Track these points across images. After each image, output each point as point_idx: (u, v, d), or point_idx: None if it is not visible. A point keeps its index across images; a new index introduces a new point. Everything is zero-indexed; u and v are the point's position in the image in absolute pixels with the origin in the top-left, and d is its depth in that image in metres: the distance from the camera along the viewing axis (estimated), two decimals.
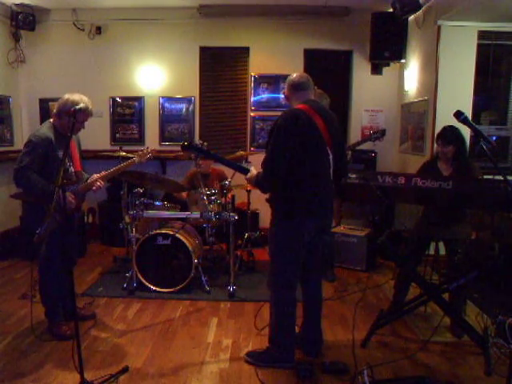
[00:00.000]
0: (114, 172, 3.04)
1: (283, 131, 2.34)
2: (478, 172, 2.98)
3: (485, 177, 2.95)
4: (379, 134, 3.89)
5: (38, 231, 2.55)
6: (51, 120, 2.82)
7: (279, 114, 2.53)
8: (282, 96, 2.72)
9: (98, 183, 2.92)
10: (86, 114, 2.73)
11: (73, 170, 2.86)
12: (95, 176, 2.95)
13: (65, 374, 2.45)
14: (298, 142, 2.34)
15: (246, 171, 2.58)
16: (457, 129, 2.97)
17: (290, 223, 2.45)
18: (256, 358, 2.64)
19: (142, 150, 3.24)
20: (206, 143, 3.60)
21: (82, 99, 2.71)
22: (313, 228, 2.49)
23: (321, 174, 2.47)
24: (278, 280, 2.56)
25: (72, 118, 2.40)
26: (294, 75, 2.60)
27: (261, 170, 2.44)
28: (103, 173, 2.99)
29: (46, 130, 2.73)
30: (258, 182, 2.47)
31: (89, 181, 2.93)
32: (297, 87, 2.54)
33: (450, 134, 2.98)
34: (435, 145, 3.17)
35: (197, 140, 5.43)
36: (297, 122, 2.35)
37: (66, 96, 2.74)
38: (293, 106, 2.54)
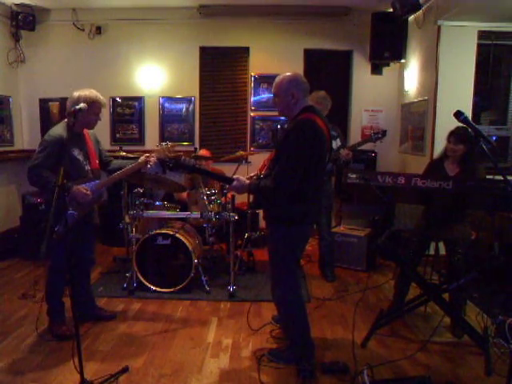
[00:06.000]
0: (134, 168, 2.99)
1: (304, 144, 2.27)
2: (482, 173, 2.97)
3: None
4: (380, 135, 3.88)
5: (56, 228, 2.57)
6: (66, 120, 2.85)
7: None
8: (289, 98, 2.41)
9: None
10: (97, 106, 2.79)
11: (89, 168, 2.89)
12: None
13: (65, 374, 2.46)
14: (316, 153, 2.32)
15: (229, 181, 2.51)
16: (468, 130, 2.96)
17: (300, 228, 2.46)
18: (278, 357, 2.65)
19: (161, 145, 3.11)
20: (192, 159, 3.69)
21: (91, 92, 2.77)
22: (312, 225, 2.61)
23: (322, 177, 2.49)
24: (289, 283, 2.54)
25: (72, 118, 2.41)
26: (297, 74, 2.48)
27: (265, 179, 2.40)
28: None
29: (60, 129, 2.76)
30: (264, 190, 2.38)
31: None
32: (307, 90, 2.46)
33: (463, 133, 2.95)
34: (443, 143, 3.14)
35: (196, 145, 5.47)
36: (316, 134, 2.32)
37: (76, 94, 2.76)
38: (295, 109, 2.43)
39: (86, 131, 2.93)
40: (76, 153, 2.78)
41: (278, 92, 2.45)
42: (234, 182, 2.46)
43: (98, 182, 2.90)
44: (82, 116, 2.71)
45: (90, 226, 3.05)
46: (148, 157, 2.98)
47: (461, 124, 2.38)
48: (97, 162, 2.96)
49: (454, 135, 3.01)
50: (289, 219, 2.42)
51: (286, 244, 2.47)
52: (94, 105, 2.76)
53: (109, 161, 3.13)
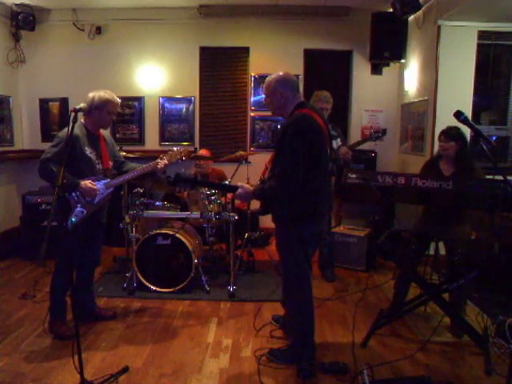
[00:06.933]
0: (143, 170, 3.03)
1: (301, 139, 2.27)
2: (480, 173, 2.97)
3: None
4: (380, 134, 3.88)
5: (64, 224, 2.58)
6: (82, 120, 2.88)
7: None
8: (279, 97, 2.45)
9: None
10: (111, 105, 2.85)
11: (101, 167, 2.92)
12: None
13: (65, 374, 2.46)
14: (315, 149, 2.31)
15: (233, 189, 2.49)
16: (460, 129, 2.98)
17: (311, 225, 2.44)
18: (279, 357, 2.64)
19: (172, 150, 3.17)
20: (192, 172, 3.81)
21: (106, 92, 2.84)
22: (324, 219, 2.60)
23: (327, 174, 2.49)
24: (301, 284, 2.52)
25: (72, 118, 2.42)
26: (285, 73, 2.47)
27: (269, 182, 2.38)
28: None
29: (74, 127, 2.76)
30: (269, 192, 2.36)
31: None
32: (297, 88, 2.48)
33: (453, 131, 3.00)
34: (438, 143, 3.16)
35: (196, 145, 5.48)
36: (312, 125, 2.32)
37: (91, 94, 2.83)
38: (287, 107, 2.45)
39: (102, 132, 2.98)
40: (88, 151, 2.82)
41: (268, 93, 2.50)
42: (239, 190, 2.44)
43: (108, 180, 2.92)
44: (98, 115, 2.81)
45: (101, 226, 3.08)
46: (159, 159, 3.03)
47: (460, 124, 2.39)
48: (110, 162, 2.99)
49: (444, 134, 3.05)
50: (298, 217, 2.40)
51: (298, 243, 2.44)
52: (108, 104, 2.82)
53: (121, 163, 3.15)
